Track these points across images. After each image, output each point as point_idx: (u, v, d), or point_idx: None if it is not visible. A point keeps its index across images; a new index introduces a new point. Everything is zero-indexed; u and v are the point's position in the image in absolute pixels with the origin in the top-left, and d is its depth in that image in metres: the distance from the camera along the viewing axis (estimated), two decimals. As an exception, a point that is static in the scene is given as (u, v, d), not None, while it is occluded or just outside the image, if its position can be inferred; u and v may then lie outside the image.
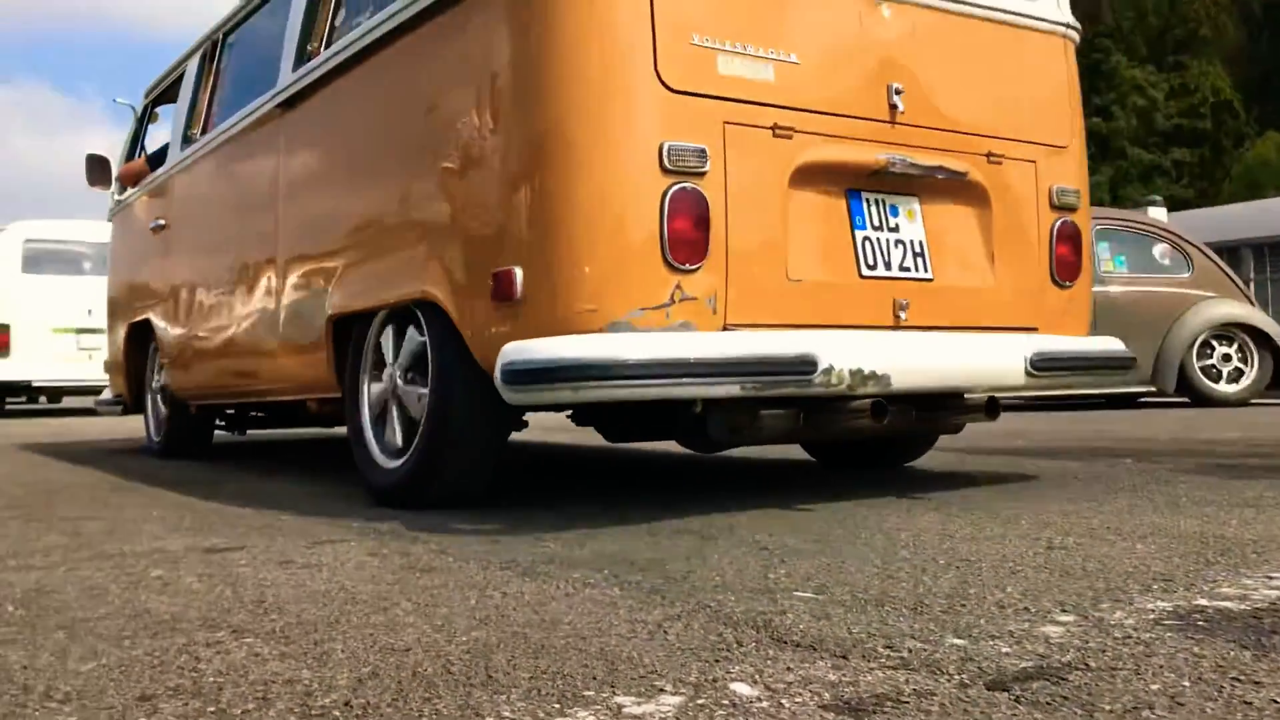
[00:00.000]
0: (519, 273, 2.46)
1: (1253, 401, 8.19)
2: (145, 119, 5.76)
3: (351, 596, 1.75)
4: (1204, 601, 1.58)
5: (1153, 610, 1.53)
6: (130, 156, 5.74)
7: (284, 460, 4.85)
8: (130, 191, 5.58)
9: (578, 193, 2.42)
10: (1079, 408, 8.00)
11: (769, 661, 1.32)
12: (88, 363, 10.86)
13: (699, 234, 2.45)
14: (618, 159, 2.43)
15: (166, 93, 5.35)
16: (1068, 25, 3.27)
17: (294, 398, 3.91)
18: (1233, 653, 1.30)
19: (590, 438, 4.42)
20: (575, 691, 1.21)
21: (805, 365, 2.45)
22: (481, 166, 2.62)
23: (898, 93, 2.80)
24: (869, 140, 2.77)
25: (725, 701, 1.16)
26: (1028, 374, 2.87)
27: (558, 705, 1.16)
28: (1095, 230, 8.00)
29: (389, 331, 3.04)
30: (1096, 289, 7.78)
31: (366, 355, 3.15)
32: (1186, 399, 8.03)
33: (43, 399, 13.76)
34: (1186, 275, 8.15)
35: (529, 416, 3.20)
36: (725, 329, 2.50)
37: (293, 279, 3.57)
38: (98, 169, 5.83)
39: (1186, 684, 1.18)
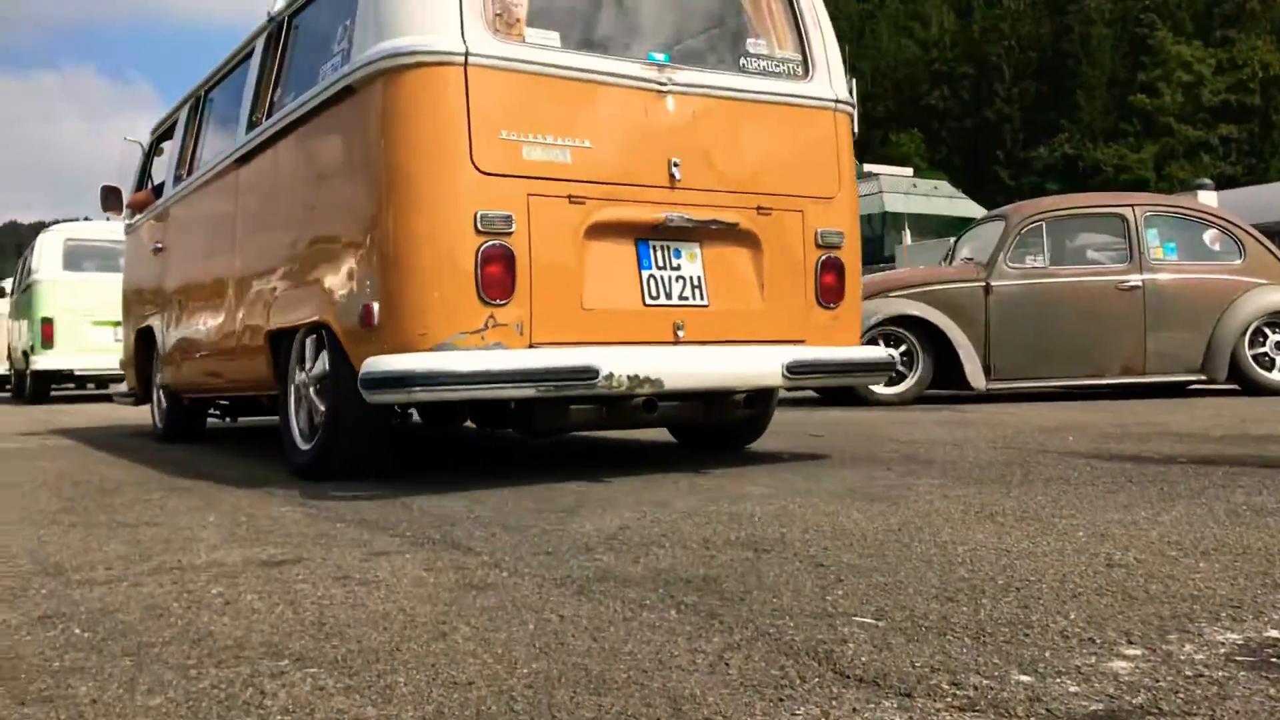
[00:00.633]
0: (376, 306, 3.29)
1: (1306, 390, 8.02)
2: (151, 153, 6.54)
3: (410, 619, 1.76)
4: (1275, 634, 1.55)
5: (1223, 644, 1.51)
6: (140, 186, 6.47)
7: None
8: (138, 217, 6.34)
9: (414, 248, 3.25)
10: (1128, 396, 7.88)
11: (833, 701, 1.31)
12: (124, 353, 11.36)
13: (507, 277, 3.26)
14: (443, 224, 3.24)
15: (167, 132, 6.18)
16: (838, 101, 4.04)
17: (251, 393, 4.81)
18: (1310, 695, 1.27)
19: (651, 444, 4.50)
20: (641, 735, 1.21)
21: (589, 373, 3.23)
22: (351, 225, 3.50)
23: (676, 165, 3.60)
24: (652, 202, 3.57)
25: (793, 748, 1.15)
26: (785, 376, 3.66)
27: (625, 751, 1.16)
28: (1145, 217, 7.88)
29: (309, 343, 3.85)
30: (1145, 277, 7.68)
31: (293, 362, 3.95)
32: (1237, 386, 7.90)
33: (90, 385, 14.12)
34: (1238, 262, 7.98)
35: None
36: (531, 347, 3.30)
37: (246, 298, 4.44)
38: (111, 197, 6.58)
39: (1265, 733, 1.16)
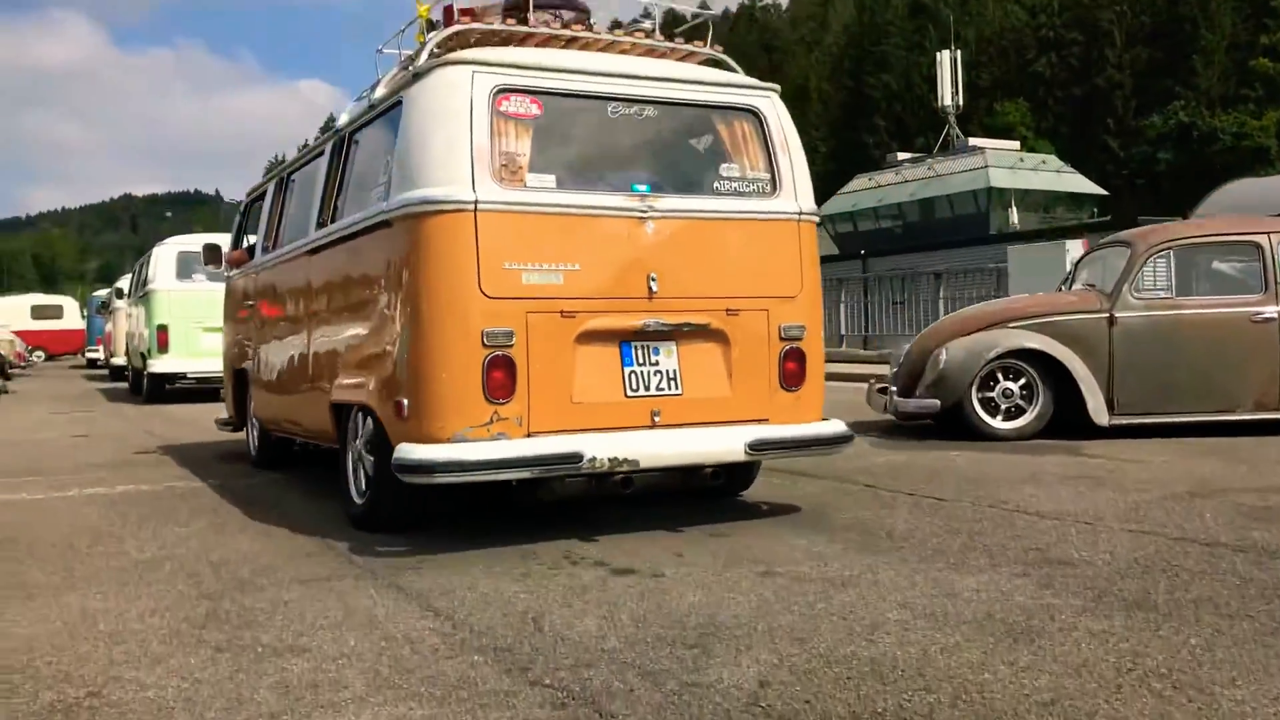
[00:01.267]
0: (405, 401, 4.09)
1: None
2: (246, 214, 7.36)
3: None
4: None
5: None
6: (236, 244, 7.34)
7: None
8: (234, 272, 7.20)
9: (433, 358, 4.02)
10: (1260, 432, 7.51)
11: None
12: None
13: (509, 381, 4.02)
14: (456, 339, 4.00)
15: (258, 198, 7.01)
16: (801, 213, 4.65)
17: (320, 442, 5.59)
18: None
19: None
20: None
21: (575, 457, 3.98)
22: (388, 330, 4.28)
23: (654, 279, 4.28)
24: (632, 311, 4.26)
25: None
26: (746, 453, 4.36)
27: None
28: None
29: (360, 416, 4.65)
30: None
31: (349, 430, 4.76)
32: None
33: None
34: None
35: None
36: (530, 435, 4.04)
37: (315, 367, 5.29)
38: (212, 253, 7.46)
39: None
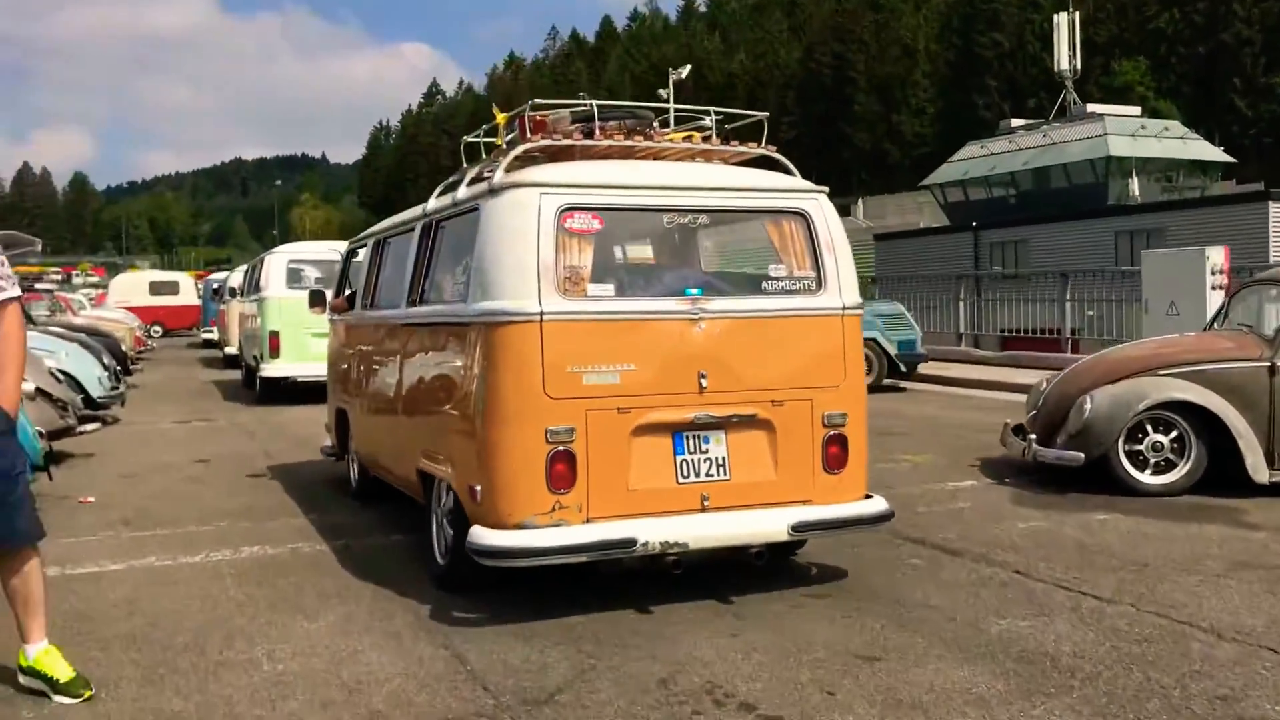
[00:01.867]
0: (479, 488, 4.56)
1: None
2: (348, 262, 8.08)
3: None
4: None
5: None
6: (339, 290, 7.93)
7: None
8: (337, 318, 7.83)
9: (502, 452, 4.50)
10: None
11: None
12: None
13: (570, 473, 4.46)
14: (523, 437, 4.46)
15: (357, 249, 7.76)
16: (845, 308, 4.93)
17: (408, 491, 5.96)
18: None
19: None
20: None
21: (630, 543, 4.43)
22: (466, 421, 4.73)
23: (704, 376, 4.64)
24: (684, 405, 4.63)
25: None
26: (789, 534, 4.73)
27: None
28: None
29: (443, 486, 5.14)
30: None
31: (434, 497, 5.28)
32: None
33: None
34: None
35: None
36: (588, 522, 4.48)
37: (406, 431, 5.77)
38: (317, 299, 8.09)
39: None
